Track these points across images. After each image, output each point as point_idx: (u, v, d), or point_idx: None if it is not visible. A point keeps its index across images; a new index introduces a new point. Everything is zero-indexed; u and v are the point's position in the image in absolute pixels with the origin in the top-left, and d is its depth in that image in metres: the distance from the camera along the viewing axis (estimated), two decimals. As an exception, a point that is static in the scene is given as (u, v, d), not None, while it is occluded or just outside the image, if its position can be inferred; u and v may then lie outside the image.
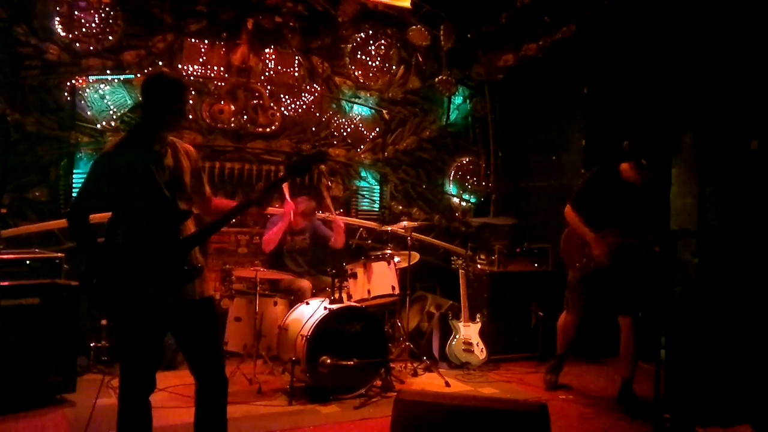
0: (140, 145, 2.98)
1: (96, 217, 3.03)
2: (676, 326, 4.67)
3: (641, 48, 5.89)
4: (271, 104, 6.46)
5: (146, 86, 3.02)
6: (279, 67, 6.48)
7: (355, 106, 6.96)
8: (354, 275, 5.31)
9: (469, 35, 7.08)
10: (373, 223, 6.71)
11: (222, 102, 6.24)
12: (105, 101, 5.79)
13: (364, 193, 7.10)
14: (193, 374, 3.13)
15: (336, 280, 5.05)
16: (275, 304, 5.31)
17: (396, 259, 5.55)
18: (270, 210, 5.97)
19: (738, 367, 4.47)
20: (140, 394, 3.01)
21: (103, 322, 5.36)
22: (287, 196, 5.58)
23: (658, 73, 5.91)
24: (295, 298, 5.38)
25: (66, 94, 5.68)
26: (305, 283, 5.52)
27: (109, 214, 2.99)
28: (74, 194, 3.00)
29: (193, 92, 6.09)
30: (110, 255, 2.90)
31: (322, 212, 6.11)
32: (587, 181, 4.81)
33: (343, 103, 6.92)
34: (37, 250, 4.81)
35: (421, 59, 7.19)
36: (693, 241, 5.50)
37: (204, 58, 6.14)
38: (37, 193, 5.57)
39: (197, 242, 3.07)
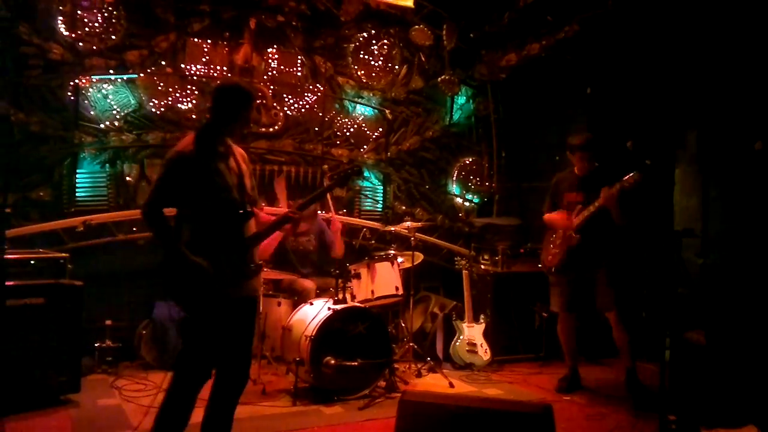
0: (209, 147, 3.17)
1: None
2: (680, 327, 4.67)
3: (644, 47, 5.88)
4: (274, 104, 6.46)
5: (221, 93, 3.26)
6: (282, 67, 6.47)
7: (358, 106, 6.95)
8: (358, 276, 5.30)
9: (471, 35, 7.06)
10: (376, 223, 6.71)
11: (225, 102, 6.22)
12: (108, 101, 5.78)
13: (367, 193, 7.09)
14: (220, 369, 3.26)
15: (340, 281, 5.04)
16: (279, 304, 5.31)
17: (399, 259, 5.55)
18: (268, 210, 5.96)
19: (743, 368, 4.46)
20: (195, 383, 3.15)
21: (108, 322, 5.38)
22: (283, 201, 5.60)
23: (662, 73, 5.90)
24: (299, 298, 5.38)
25: (69, 93, 5.67)
26: (309, 284, 5.52)
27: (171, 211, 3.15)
28: (149, 192, 3.18)
29: (196, 92, 6.08)
30: (186, 250, 3.05)
31: (324, 212, 6.11)
32: (550, 188, 5.19)
33: (346, 102, 6.91)
34: (41, 250, 4.81)
35: (423, 59, 7.18)
36: (698, 241, 5.49)
37: (207, 57, 6.13)
38: (41, 193, 5.57)
39: (260, 241, 3.34)
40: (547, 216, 5.15)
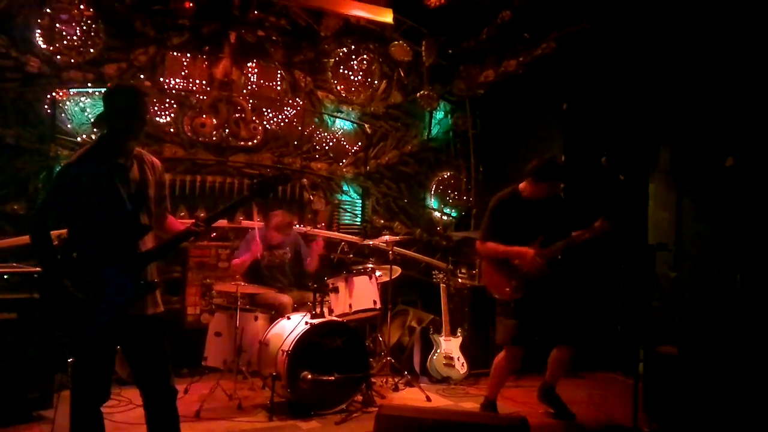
0: (105, 158, 2.99)
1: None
2: (654, 340, 4.73)
3: (620, 65, 5.99)
4: (254, 118, 6.47)
5: (107, 99, 3.08)
6: (261, 81, 6.49)
7: (338, 120, 6.99)
8: (335, 289, 5.31)
9: (450, 51, 7.15)
10: (354, 237, 6.73)
11: (204, 115, 6.24)
12: (86, 114, 5.76)
13: (346, 207, 7.12)
14: (139, 387, 3.12)
15: (317, 295, 5.04)
16: (256, 318, 5.28)
17: (377, 273, 5.56)
18: (245, 223, 5.95)
19: (716, 381, 4.52)
20: (93, 404, 3.04)
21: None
22: (257, 235, 5.53)
23: (637, 90, 6.01)
24: (276, 312, 5.36)
25: (46, 106, 5.65)
26: (286, 299, 5.50)
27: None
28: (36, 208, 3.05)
29: (174, 105, 6.08)
30: (67, 269, 2.91)
31: (304, 226, 6.11)
32: (491, 215, 4.53)
33: (326, 117, 6.95)
34: (14, 264, 4.75)
35: (403, 74, 7.25)
36: (671, 255, 5.58)
37: (186, 71, 6.14)
38: (15, 207, 5.52)
39: (155, 258, 3.10)
40: (492, 248, 4.45)
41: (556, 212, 4.50)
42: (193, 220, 3.19)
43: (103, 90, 5.74)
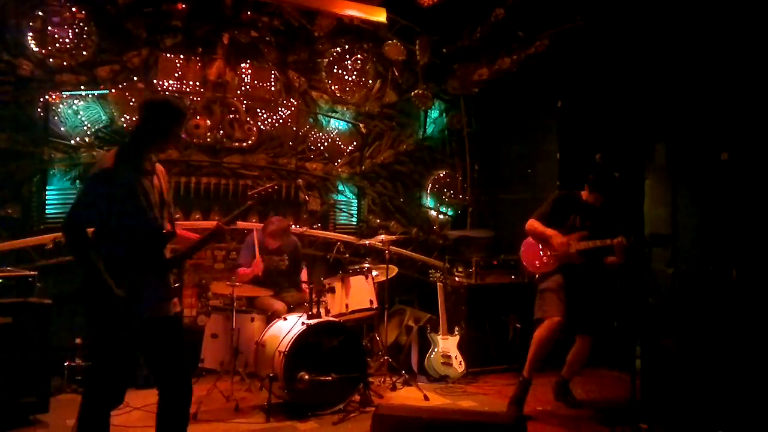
0: (135, 164, 3.06)
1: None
2: (651, 336, 4.73)
3: (614, 62, 5.99)
4: (248, 119, 6.46)
5: (150, 108, 3.14)
6: (255, 82, 6.48)
7: (332, 120, 6.98)
8: (332, 290, 5.30)
9: (444, 50, 7.14)
10: (350, 236, 6.72)
11: (198, 117, 6.22)
12: (79, 117, 5.75)
13: (342, 207, 7.10)
14: (159, 385, 3.18)
15: (314, 295, 5.03)
16: (252, 320, 5.27)
17: (374, 272, 5.55)
18: (241, 225, 5.92)
19: (712, 376, 4.53)
20: (107, 407, 3.06)
21: (78, 340, 5.29)
22: (256, 244, 5.53)
23: (631, 86, 6.01)
24: (272, 314, 5.35)
25: (39, 109, 5.63)
26: (279, 305, 5.45)
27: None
28: (70, 209, 3.05)
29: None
30: (106, 273, 2.94)
31: (300, 227, 6.10)
32: (551, 203, 4.97)
33: (320, 117, 6.93)
34: (9, 268, 4.73)
35: (397, 73, 7.24)
36: (668, 251, 5.58)
37: (179, 72, 6.13)
38: (9, 210, 5.50)
39: (181, 261, 3.25)
40: (536, 226, 4.88)
41: (603, 218, 4.82)
42: (216, 222, 3.34)
43: (96, 92, 5.78)
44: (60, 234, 5.40)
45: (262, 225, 5.79)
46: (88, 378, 3.09)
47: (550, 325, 4.66)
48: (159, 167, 3.25)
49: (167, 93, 6.03)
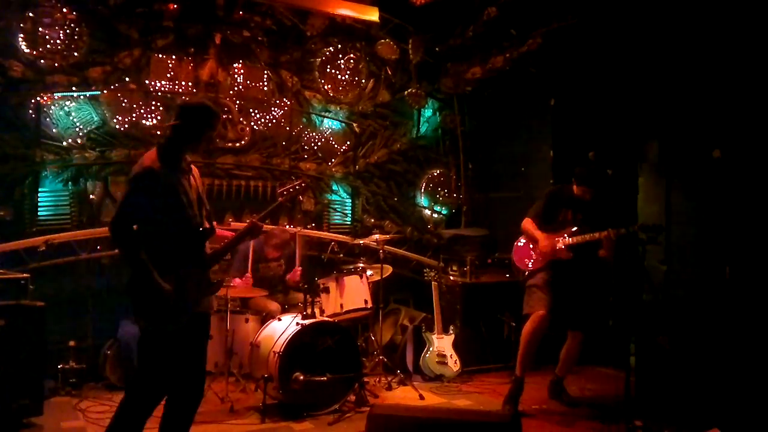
0: (174, 163, 3.17)
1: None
2: (645, 333, 4.74)
3: (606, 60, 6.00)
4: (241, 119, 6.43)
5: (186, 111, 3.24)
6: (248, 82, 6.45)
7: (326, 120, 6.96)
8: (326, 290, 5.30)
9: (437, 48, 7.14)
10: (345, 236, 6.71)
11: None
12: (71, 118, 5.71)
13: (336, 206, 7.09)
14: (175, 386, 3.20)
15: (308, 295, 5.02)
16: (247, 320, 5.26)
17: (368, 272, 5.55)
18: (234, 225, 5.88)
19: (706, 373, 4.54)
20: (149, 405, 3.12)
21: (71, 343, 5.28)
22: (250, 257, 5.49)
23: (624, 84, 6.02)
24: (267, 315, 5.34)
25: (30, 111, 5.59)
26: (274, 306, 5.45)
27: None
28: (117, 207, 3.21)
29: (161, 108, 6.03)
30: (154, 269, 3.04)
31: (294, 227, 6.08)
32: (546, 198, 5.05)
33: (314, 116, 6.92)
34: (1, 270, 4.70)
35: (390, 72, 7.23)
36: (661, 248, 5.59)
37: (171, 73, 6.09)
38: (1, 213, 5.46)
39: (220, 258, 3.44)
40: (530, 226, 4.97)
41: (594, 211, 4.85)
42: (251, 219, 3.47)
43: (88, 93, 5.75)
44: (53, 236, 5.43)
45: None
46: (138, 377, 3.15)
47: (535, 318, 4.75)
48: (194, 168, 3.36)
49: (160, 94, 6.00)
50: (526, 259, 5.02)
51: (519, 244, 5.15)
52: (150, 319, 3.12)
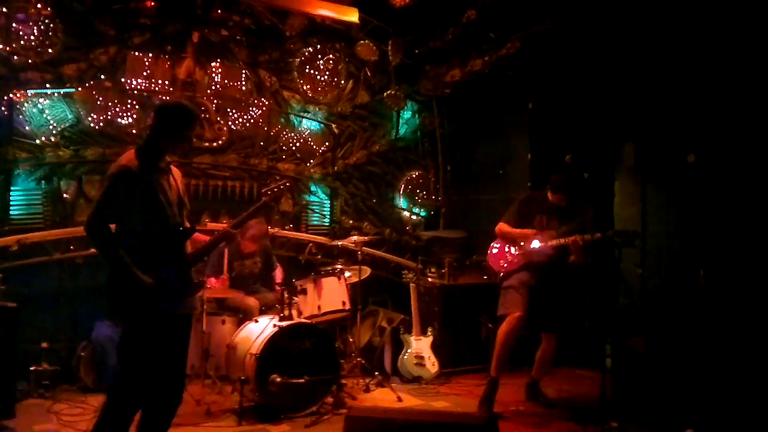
0: (151, 163, 3.14)
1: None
2: (621, 335, 4.78)
3: (584, 64, 6.06)
4: (218, 118, 6.38)
5: (164, 112, 3.23)
6: (226, 81, 6.39)
7: (304, 121, 6.93)
8: (304, 291, 5.27)
9: (416, 51, 7.14)
10: (323, 237, 6.68)
11: (167, 116, 6.11)
12: (44, 116, 5.61)
13: (314, 207, 7.06)
14: (153, 389, 3.16)
15: (285, 296, 4.98)
16: (223, 322, 5.22)
17: (347, 274, 5.54)
18: (210, 225, 5.83)
19: (681, 375, 4.60)
20: (132, 407, 3.09)
21: (44, 344, 5.18)
22: (225, 259, 5.42)
23: (601, 88, 6.08)
24: (244, 316, 5.29)
25: (3, 108, 5.48)
26: (252, 302, 5.42)
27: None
28: (92, 206, 3.15)
29: (137, 106, 5.96)
30: (134, 266, 3.02)
31: (272, 228, 6.04)
32: (518, 205, 5.03)
33: (292, 117, 6.88)
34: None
35: (369, 74, 7.22)
36: (637, 251, 5.65)
37: (148, 71, 6.01)
38: (-28, 212, 5.36)
39: (198, 259, 3.40)
40: (506, 229, 4.96)
41: (570, 217, 4.84)
42: (225, 226, 3.54)
43: (62, 91, 5.65)
44: (25, 235, 5.33)
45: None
46: (119, 378, 3.09)
47: (510, 320, 4.77)
48: (173, 168, 3.34)
49: (136, 92, 5.92)
50: (501, 261, 5.01)
51: (493, 251, 5.09)
52: (130, 318, 3.10)
